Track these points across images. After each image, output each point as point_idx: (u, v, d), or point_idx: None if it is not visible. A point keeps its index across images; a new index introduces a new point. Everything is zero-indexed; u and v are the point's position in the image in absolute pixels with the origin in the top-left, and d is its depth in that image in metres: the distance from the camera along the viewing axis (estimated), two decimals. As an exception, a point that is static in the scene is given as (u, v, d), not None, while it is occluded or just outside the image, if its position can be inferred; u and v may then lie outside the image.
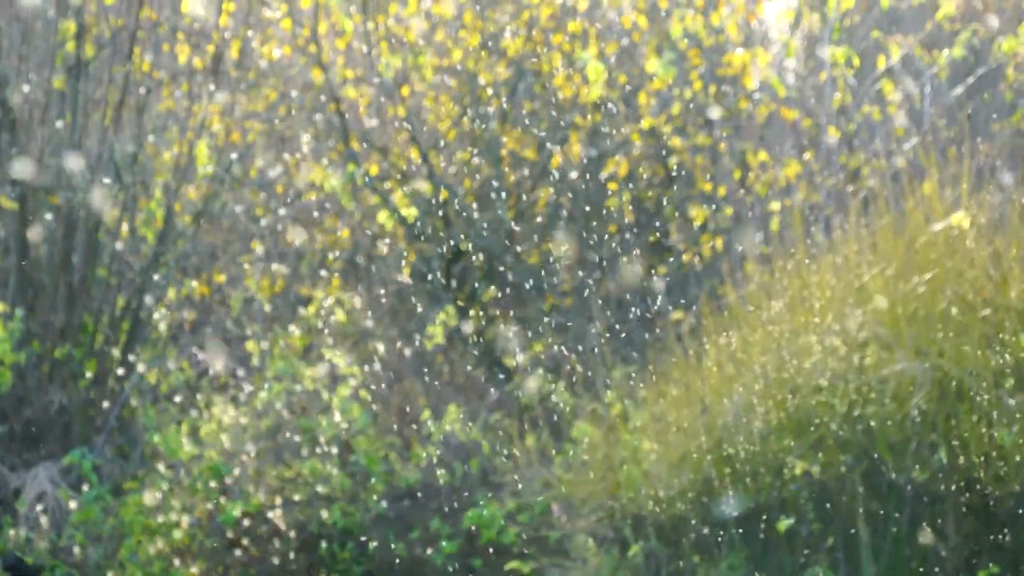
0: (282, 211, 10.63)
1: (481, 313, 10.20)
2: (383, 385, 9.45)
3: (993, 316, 7.07)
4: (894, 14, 10.80)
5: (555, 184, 10.37)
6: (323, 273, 10.44)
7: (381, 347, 9.80)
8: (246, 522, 8.53)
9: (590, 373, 8.76)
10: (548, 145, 10.30)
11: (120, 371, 9.61)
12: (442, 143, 10.39)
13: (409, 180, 10.27)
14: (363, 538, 8.62)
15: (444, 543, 8.50)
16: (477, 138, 10.30)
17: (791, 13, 10.24)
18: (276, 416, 8.79)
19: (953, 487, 7.06)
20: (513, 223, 10.23)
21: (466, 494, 8.69)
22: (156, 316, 9.93)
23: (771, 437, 7.26)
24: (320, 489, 8.58)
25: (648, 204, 10.39)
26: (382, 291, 10.48)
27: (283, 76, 10.74)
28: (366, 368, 9.31)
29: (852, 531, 7.12)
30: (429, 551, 8.56)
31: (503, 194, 10.22)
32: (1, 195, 9.65)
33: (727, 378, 7.50)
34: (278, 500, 8.56)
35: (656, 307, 10.02)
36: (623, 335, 9.56)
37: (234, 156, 10.15)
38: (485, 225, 10.19)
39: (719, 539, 7.44)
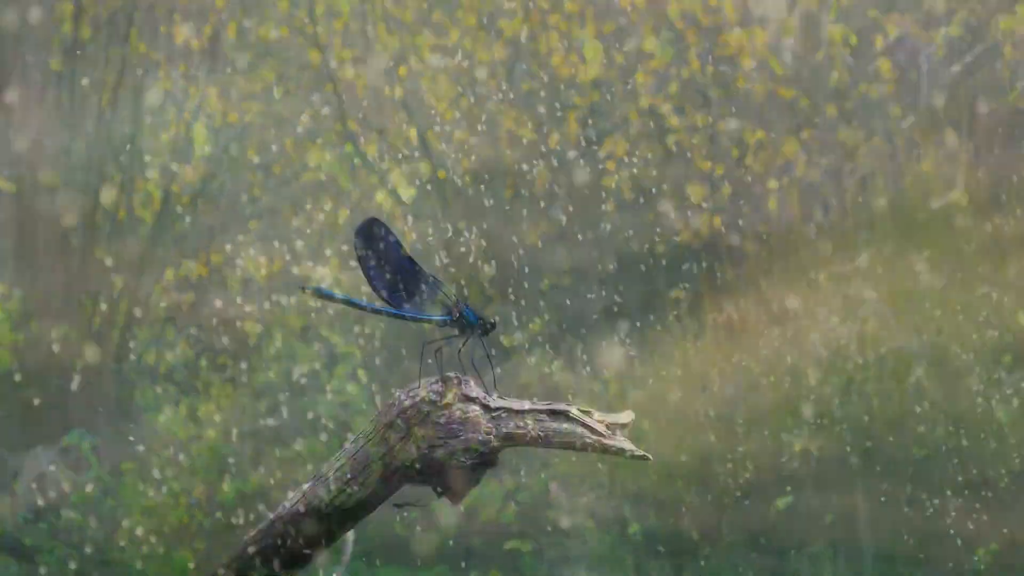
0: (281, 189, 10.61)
1: (479, 292, 10.19)
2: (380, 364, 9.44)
3: (991, 293, 7.08)
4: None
5: (553, 163, 10.35)
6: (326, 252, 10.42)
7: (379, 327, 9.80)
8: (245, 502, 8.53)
9: (588, 352, 8.76)
10: (546, 124, 10.29)
11: (118, 352, 9.61)
12: (440, 123, 10.37)
13: (407, 160, 10.26)
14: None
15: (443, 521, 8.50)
16: (475, 118, 10.29)
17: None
18: (274, 396, 8.78)
19: (951, 464, 7.07)
20: (511, 202, 10.21)
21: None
22: (154, 297, 9.91)
23: (770, 414, 7.26)
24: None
25: (646, 182, 10.38)
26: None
27: (280, 57, 10.72)
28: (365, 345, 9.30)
29: (850, 507, 7.13)
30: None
31: (501, 174, 10.21)
32: (-1, 177, 9.66)
33: (726, 356, 7.51)
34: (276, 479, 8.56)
35: (655, 286, 10.01)
36: (621, 314, 9.55)
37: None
38: (483, 205, 10.18)
39: (719, 516, 7.44)
